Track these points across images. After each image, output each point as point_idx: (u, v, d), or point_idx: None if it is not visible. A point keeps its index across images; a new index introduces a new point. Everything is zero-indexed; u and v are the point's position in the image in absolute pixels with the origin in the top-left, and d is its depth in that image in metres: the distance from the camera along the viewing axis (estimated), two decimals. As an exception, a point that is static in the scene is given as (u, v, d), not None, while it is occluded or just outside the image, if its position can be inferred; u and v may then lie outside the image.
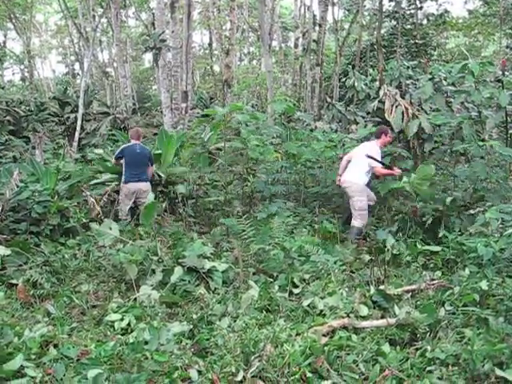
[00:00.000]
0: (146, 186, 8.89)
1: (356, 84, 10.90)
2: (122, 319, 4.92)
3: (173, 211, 9.35)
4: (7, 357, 3.92)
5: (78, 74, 43.83)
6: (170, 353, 4.12)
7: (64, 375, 3.81)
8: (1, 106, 16.93)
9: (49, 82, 43.71)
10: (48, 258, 6.53)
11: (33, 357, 4.07)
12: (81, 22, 29.30)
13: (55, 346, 4.29)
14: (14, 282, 5.94)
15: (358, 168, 8.40)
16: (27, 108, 18.80)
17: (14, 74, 47.78)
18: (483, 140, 8.47)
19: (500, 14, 24.95)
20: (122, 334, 4.66)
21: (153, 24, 24.43)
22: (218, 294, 5.65)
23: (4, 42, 38.94)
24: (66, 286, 6.02)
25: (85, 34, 27.69)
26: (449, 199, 7.63)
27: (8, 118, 16.80)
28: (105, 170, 9.81)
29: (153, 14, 26.95)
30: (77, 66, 43.53)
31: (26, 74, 39.55)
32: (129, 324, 4.85)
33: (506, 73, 8.87)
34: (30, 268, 6.18)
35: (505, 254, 5.90)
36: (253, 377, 3.87)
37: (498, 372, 3.71)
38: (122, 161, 8.92)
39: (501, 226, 6.75)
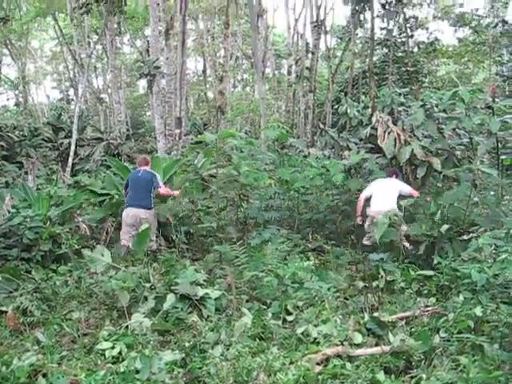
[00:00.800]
0: (145, 213, 8.55)
1: (349, 111, 10.99)
2: (113, 347, 4.85)
3: (165, 238, 9.29)
4: (-5, 387, 3.86)
5: (73, 99, 43.95)
6: (161, 382, 4.07)
7: (53, 405, 3.74)
8: (-6, 131, 16.97)
9: (43, 108, 43.82)
10: (39, 284, 6.46)
11: (21, 387, 4.01)
12: (76, 49, 29.50)
13: (44, 375, 4.23)
14: (3, 309, 5.88)
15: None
16: (21, 133, 18.83)
17: (8, 99, 47.84)
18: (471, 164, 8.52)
19: (489, 42, 25.34)
20: (113, 363, 4.59)
21: (147, 51, 24.63)
22: (211, 321, 5.59)
23: (-1, 68, 39.05)
24: (56, 314, 5.95)
25: (80, 61, 27.85)
26: (444, 227, 7.63)
27: (1, 143, 16.81)
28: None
29: (147, 41, 27.20)
30: (71, 91, 43.72)
31: (21, 100, 39.65)
32: (120, 352, 4.79)
33: (496, 99, 8.94)
34: (21, 295, 6.11)
35: (499, 279, 5.88)
36: (246, 406, 3.82)
37: (494, 400, 3.67)
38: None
39: (494, 251, 6.75)
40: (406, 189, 9.11)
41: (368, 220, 9.10)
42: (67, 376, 4.19)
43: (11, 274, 6.53)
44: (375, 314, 5.48)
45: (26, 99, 37.10)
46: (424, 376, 4.10)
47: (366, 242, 9.00)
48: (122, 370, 4.24)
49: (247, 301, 6.35)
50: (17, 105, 42.64)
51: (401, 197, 8.88)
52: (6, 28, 29.12)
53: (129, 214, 8.55)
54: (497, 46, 26.67)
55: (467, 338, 4.66)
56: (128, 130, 25.13)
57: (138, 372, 4.10)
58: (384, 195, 8.98)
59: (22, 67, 35.90)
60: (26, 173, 14.96)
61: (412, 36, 25.64)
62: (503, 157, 9.28)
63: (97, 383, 3.97)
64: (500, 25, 25.42)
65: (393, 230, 7.87)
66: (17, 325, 5.55)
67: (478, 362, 4.18)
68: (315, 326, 5.24)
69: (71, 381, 4.11)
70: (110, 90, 30.87)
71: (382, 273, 6.49)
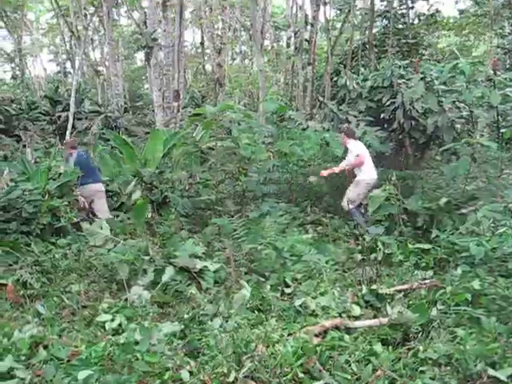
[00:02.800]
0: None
1: (348, 83, 10.89)
2: (112, 320, 4.88)
3: (164, 210, 9.30)
4: (-4, 358, 3.88)
5: (70, 72, 43.56)
6: (160, 353, 4.09)
7: (54, 376, 3.77)
8: (-9, 104, 16.85)
9: (40, 81, 43.48)
10: (38, 257, 6.49)
11: (22, 358, 4.04)
12: (72, 21, 29.16)
13: (45, 346, 4.25)
14: (3, 282, 5.90)
15: None
16: (18, 107, 18.71)
17: (5, 72, 47.49)
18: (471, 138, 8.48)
19: (490, 14, 25.03)
20: (113, 335, 4.61)
21: (145, 23, 24.27)
22: (210, 293, 5.63)
23: (-5, 41, 38.75)
24: (56, 286, 5.98)
25: (76, 33, 27.55)
26: (443, 200, 7.63)
27: (-1, 116, 16.71)
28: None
29: (145, 12, 26.79)
30: (68, 64, 43.32)
31: (17, 73, 39.32)
32: (120, 324, 4.81)
33: (497, 72, 8.87)
34: (20, 268, 6.14)
35: (497, 253, 5.90)
36: (245, 377, 3.84)
37: (491, 372, 3.69)
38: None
39: (492, 225, 6.77)
40: None
41: (361, 186, 9.10)
42: (68, 348, 4.21)
43: (11, 247, 6.55)
44: (373, 287, 5.50)
45: (22, 72, 36.78)
46: (421, 348, 4.12)
47: (344, 204, 8.98)
48: (121, 341, 4.26)
49: (246, 273, 6.39)
50: (13, 78, 42.28)
51: None
52: (1, 0, 28.77)
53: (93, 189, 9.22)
54: (498, 17, 26.35)
55: (464, 310, 4.68)
56: (126, 103, 24.99)
57: (137, 343, 4.13)
58: (371, 161, 9.18)
59: (18, 40, 35.53)
60: (24, 146, 14.91)
61: (412, 7, 25.29)
62: (503, 130, 9.24)
63: (97, 355, 4.00)
64: (502, -4, 25.13)
65: (391, 203, 7.88)
66: (17, 297, 5.58)
67: (475, 335, 4.20)
68: (313, 298, 5.26)
69: (72, 352, 4.14)
70: (107, 63, 30.59)
71: (380, 245, 6.51)
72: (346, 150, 9.53)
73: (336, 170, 9.25)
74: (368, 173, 9.14)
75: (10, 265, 6.30)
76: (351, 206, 8.94)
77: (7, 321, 4.91)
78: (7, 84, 42.32)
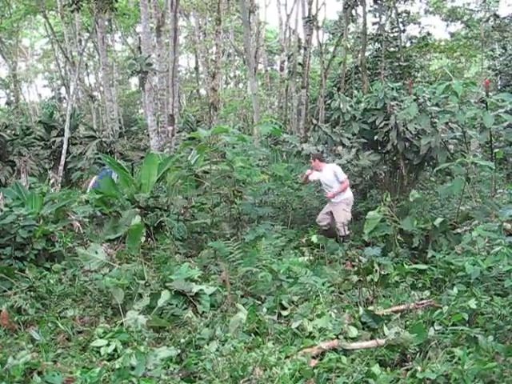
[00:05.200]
0: None
1: (341, 106, 10.94)
2: (108, 345, 4.85)
3: (159, 234, 9.28)
4: (-10, 385, 3.84)
5: (64, 97, 43.81)
6: (157, 378, 4.06)
7: (49, 403, 3.73)
8: (-14, 130, 16.86)
9: (35, 106, 43.68)
10: (33, 283, 6.44)
11: (16, 385, 3.99)
12: (67, 47, 29.40)
13: (39, 373, 4.21)
14: (-3, 308, 5.85)
15: None
16: (13, 132, 18.71)
17: (-1, 98, 47.72)
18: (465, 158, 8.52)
19: (481, 37, 25.36)
20: (109, 360, 4.59)
21: (139, 48, 24.54)
22: (206, 317, 5.60)
23: (-10, 67, 38.91)
24: (51, 312, 5.93)
25: (71, 59, 27.76)
26: (438, 220, 7.64)
27: (-7, 142, 16.71)
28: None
29: (139, 38, 27.08)
30: (63, 90, 43.51)
31: (12, 98, 39.44)
32: (115, 349, 4.78)
33: (490, 93, 8.95)
34: (15, 294, 6.09)
35: (492, 272, 5.91)
36: (242, 401, 3.82)
37: (489, 392, 3.68)
38: None
39: (487, 244, 6.78)
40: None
41: (346, 205, 9.36)
42: (62, 374, 4.17)
43: (5, 273, 6.50)
44: (370, 308, 5.49)
45: (17, 98, 36.89)
46: (419, 368, 4.10)
47: (341, 230, 9.15)
48: (117, 366, 4.23)
49: (242, 296, 6.36)
50: (8, 103, 42.44)
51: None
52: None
53: None
54: (489, 40, 26.73)
55: (462, 330, 4.67)
56: (121, 127, 25.06)
57: (133, 369, 4.10)
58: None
59: (13, 66, 35.69)
60: (19, 172, 14.89)
61: (404, 31, 25.65)
62: (496, 150, 9.30)
63: (92, 380, 3.96)
64: (492, 19, 25.44)
65: (386, 224, 7.90)
66: (11, 323, 5.52)
67: (473, 354, 4.18)
68: (310, 320, 5.24)
69: (67, 379, 4.10)
70: (101, 88, 30.79)
71: (376, 267, 6.50)
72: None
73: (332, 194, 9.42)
74: (348, 191, 9.50)
75: (4, 291, 6.25)
76: (347, 230, 9.12)
77: (1, 347, 4.86)
78: (2, 110, 42.47)
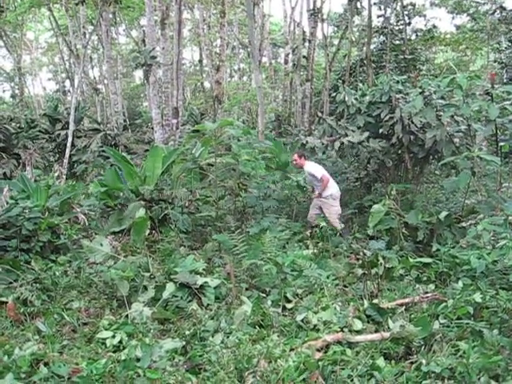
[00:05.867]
0: None
1: (346, 99, 10.90)
2: (113, 336, 4.87)
3: (164, 227, 9.29)
4: (-3, 376, 3.86)
5: (69, 91, 43.75)
6: (162, 370, 4.07)
7: (55, 394, 3.75)
8: (-9, 123, 16.84)
9: (39, 99, 43.67)
10: (38, 275, 6.46)
11: (23, 376, 4.01)
12: (71, 40, 29.36)
13: (46, 364, 4.23)
14: (3, 299, 5.88)
15: None
16: (17, 125, 18.69)
17: (4, 91, 47.74)
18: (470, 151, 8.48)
19: (487, 29, 25.25)
20: (114, 352, 4.61)
21: (143, 41, 24.48)
22: (211, 309, 5.60)
23: (-6, 60, 38.91)
24: (56, 304, 5.96)
25: (75, 52, 27.72)
26: (443, 214, 7.63)
27: (-2, 135, 16.70)
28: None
29: (143, 31, 27.07)
30: (67, 83, 43.52)
31: (17, 91, 39.49)
32: (120, 341, 4.80)
33: (495, 86, 8.89)
34: (21, 285, 6.12)
35: (497, 266, 5.90)
36: (247, 393, 3.83)
37: (494, 385, 3.68)
38: None
39: (493, 238, 6.76)
40: None
41: (334, 201, 9.47)
42: (68, 365, 4.19)
43: (11, 265, 6.53)
44: (375, 301, 5.49)
45: (22, 91, 36.93)
46: (424, 361, 4.11)
47: (337, 225, 9.24)
48: (122, 358, 4.25)
49: (247, 289, 6.37)
50: (13, 97, 42.47)
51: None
52: (1, 19, 28.93)
53: None
54: (495, 32, 26.58)
55: (467, 323, 4.67)
56: (125, 120, 25.07)
57: (138, 360, 4.11)
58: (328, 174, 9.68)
59: (18, 59, 35.70)
60: (24, 164, 14.90)
61: (409, 23, 25.55)
62: (502, 143, 9.26)
63: (98, 371, 3.98)
64: (498, 11, 25.28)
65: (391, 218, 7.89)
66: (17, 315, 5.55)
67: (478, 348, 4.18)
68: (315, 313, 5.25)
69: (73, 369, 4.11)
70: (106, 81, 30.77)
71: (380, 260, 6.50)
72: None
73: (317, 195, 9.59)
74: (333, 186, 9.54)
75: (10, 282, 6.27)
76: (342, 225, 9.29)
77: (7, 339, 4.88)
78: (6, 103, 42.50)
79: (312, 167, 9.59)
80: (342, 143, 10.19)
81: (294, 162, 9.78)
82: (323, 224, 8.09)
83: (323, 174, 9.42)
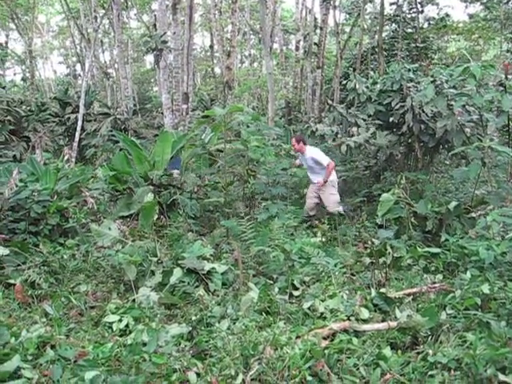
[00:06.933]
0: None
1: (357, 86, 10.83)
2: (120, 320, 4.89)
3: (172, 212, 9.29)
4: (4, 358, 3.88)
5: (79, 74, 43.85)
6: (168, 355, 4.09)
7: (61, 377, 3.77)
8: (2, 105, 16.82)
9: (50, 83, 43.70)
10: (46, 258, 6.48)
11: (29, 358, 4.04)
12: (82, 23, 29.34)
13: (52, 346, 4.25)
14: (11, 281, 5.91)
15: None
16: (28, 108, 18.72)
17: (15, 74, 47.79)
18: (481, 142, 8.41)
19: (501, 19, 24.93)
20: (120, 336, 4.62)
21: (154, 25, 24.41)
22: (218, 295, 5.62)
23: (6, 43, 38.70)
24: (64, 287, 5.99)
25: (86, 35, 27.67)
26: (452, 204, 7.58)
27: (9, 117, 16.68)
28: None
29: (154, 15, 26.97)
30: (78, 66, 43.56)
31: (28, 75, 39.46)
32: (127, 325, 4.82)
33: (510, 76, 8.79)
34: (29, 268, 6.15)
35: (506, 257, 5.86)
36: (252, 380, 3.83)
37: (501, 377, 3.67)
38: None
39: (502, 229, 6.72)
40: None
41: (334, 186, 9.46)
42: (75, 348, 4.21)
43: (19, 248, 6.55)
44: (382, 290, 5.47)
45: (32, 74, 36.90)
46: (430, 352, 4.09)
47: (336, 209, 9.19)
48: (129, 342, 4.26)
49: (254, 275, 6.38)
50: (24, 80, 42.45)
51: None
52: (13, 2, 28.92)
53: None
54: (508, 22, 26.20)
55: (474, 314, 4.65)
56: (135, 105, 25.02)
57: (144, 345, 4.12)
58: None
59: (29, 42, 35.66)
60: (34, 147, 14.94)
61: (422, 12, 25.23)
62: (514, 134, 9.17)
63: (104, 355, 3.99)
64: (512, 0, 24.99)
65: (400, 207, 7.85)
66: (25, 297, 5.58)
67: (485, 339, 4.16)
68: (322, 301, 5.25)
69: (79, 353, 4.13)
70: (116, 65, 30.69)
71: (389, 249, 6.47)
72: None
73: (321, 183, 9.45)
74: (334, 173, 9.48)
75: (18, 265, 6.30)
76: (341, 207, 9.28)
77: (15, 320, 4.91)
78: (17, 86, 42.50)
79: (316, 153, 9.44)
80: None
81: (293, 147, 9.63)
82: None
83: (329, 160, 9.32)
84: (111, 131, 16.82)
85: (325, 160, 9.27)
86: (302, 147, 9.46)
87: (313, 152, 9.42)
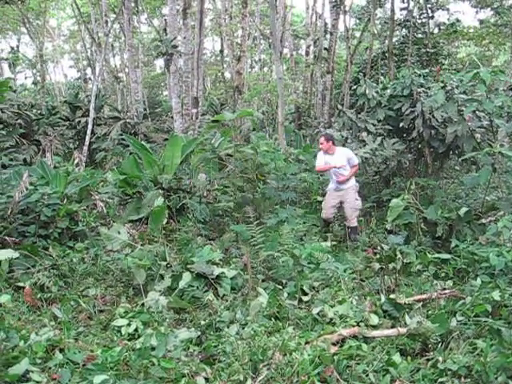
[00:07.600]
0: None
1: (367, 92, 10.80)
2: (129, 324, 4.89)
3: (182, 216, 9.30)
4: (12, 361, 3.89)
5: (90, 78, 43.98)
6: (177, 359, 4.08)
7: (69, 380, 3.78)
8: (12, 109, 16.89)
9: (60, 87, 43.96)
10: (56, 261, 6.51)
11: (38, 361, 4.05)
12: (93, 28, 29.47)
13: (61, 350, 4.26)
14: (21, 284, 5.93)
15: None
16: (38, 112, 18.83)
17: (26, 77, 48.05)
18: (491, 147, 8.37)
19: (511, 24, 24.83)
20: (129, 340, 4.63)
21: (165, 30, 24.45)
22: (227, 300, 5.61)
23: (17, 47, 38.89)
24: (73, 290, 6.00)
25: (97, 39, 27.82)
26: (463, 210, 7.54)
27: (19, 121, 16.77)
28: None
29: (165, 20, 27.00)
30: (89, 70, 43.67)
31: (38, 78, 39.58)
32: (136, 329, 4.83)
33: (519, 82, 8.76)
34: (38, 271, 6.17)
35: (517, 264, 5.81)
36: (261, 385, 3.82)
37: (512, 385, 3.63)
38: None
39: (513, 236, 6.67)
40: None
41: (352, 192, 8.95)
42: (84, 352, 4.22)
43: (29, 251, 6.58)
44: (392, 296, 5.45)
45: (43, 78, 37.03)
46: (440, 359, 4.06)
47: (355, 223, 8.90)
48: (137, 346, 4.26)
49: (263, 280, 6.37)
50: (35, 83, 42.66)
51: None
52: (24, 6, 29.08)
53: None
54: (519, 28, 26.14)
55: (484, 321, 4.61)
56: (145, 109, 25.06)
57: (153, 349, 4.12)
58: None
59: (40, 46, 35.81)
60: (44, 151, 15.02)
61: (432, 17, 25.17)
62: (524, 140, 9.15)
63: (113, 359, 3.99)
64: (523, 6, 24.90)
65: (410, 213, 7.82)
66: (34, 300, 5.60)
67: (496, 346, 4.12)
68: (331, 306, 5.22)
69: (88, 356, 4.14)
70: (127, 69, 30.78)
71: (398, 255, 6.44)
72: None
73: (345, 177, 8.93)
74: (353, 178, 9.05)
75: (28, 268, 6.32)
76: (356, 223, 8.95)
77: (24, 324, 4.92)
78: (28, 89, 42.76)
79: (349, 151, 9.04)
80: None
81: (321, 146, 8.97)
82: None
83: (357, 161, 9.01)
84: (121, 135, 16.87)
85: (356, 158, 8.99)
86: (330, 146, 8.94)
87: (345, 150, 9.04)
